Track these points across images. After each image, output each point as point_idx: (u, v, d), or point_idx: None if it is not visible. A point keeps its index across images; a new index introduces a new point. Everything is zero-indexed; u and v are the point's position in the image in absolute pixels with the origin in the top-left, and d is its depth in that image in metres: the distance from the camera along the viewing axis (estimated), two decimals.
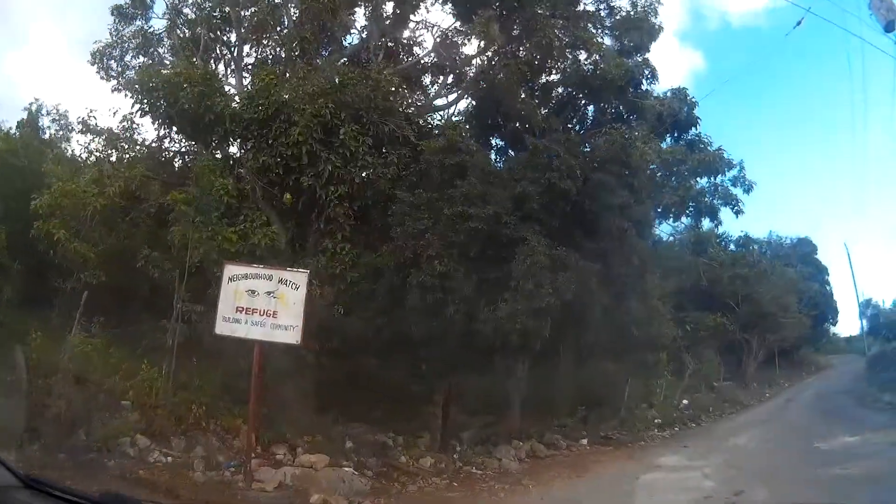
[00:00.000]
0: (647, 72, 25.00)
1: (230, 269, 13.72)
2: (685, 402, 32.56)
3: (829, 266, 61.45)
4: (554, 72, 24.48)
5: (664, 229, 29.36)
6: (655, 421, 27.72)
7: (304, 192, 17.68)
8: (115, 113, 19.50)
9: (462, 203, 17.85)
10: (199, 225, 16.63)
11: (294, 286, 13.31)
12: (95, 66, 22.11)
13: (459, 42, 23.39)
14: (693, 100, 27.51)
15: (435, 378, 19.27)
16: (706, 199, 27.56)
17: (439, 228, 17.78)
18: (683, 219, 29.47)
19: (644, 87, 24.97)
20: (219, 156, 19.57)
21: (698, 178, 27.81)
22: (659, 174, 25.50)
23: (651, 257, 22.51)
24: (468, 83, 23.23)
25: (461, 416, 21.32)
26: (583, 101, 24.93)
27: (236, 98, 19.16)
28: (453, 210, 17.83)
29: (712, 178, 28.01)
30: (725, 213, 29.26)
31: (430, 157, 18.85)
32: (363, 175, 17.71)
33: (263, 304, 13.13)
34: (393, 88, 19.16)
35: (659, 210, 24.95)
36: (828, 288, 61.32)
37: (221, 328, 13.37)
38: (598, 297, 18.58)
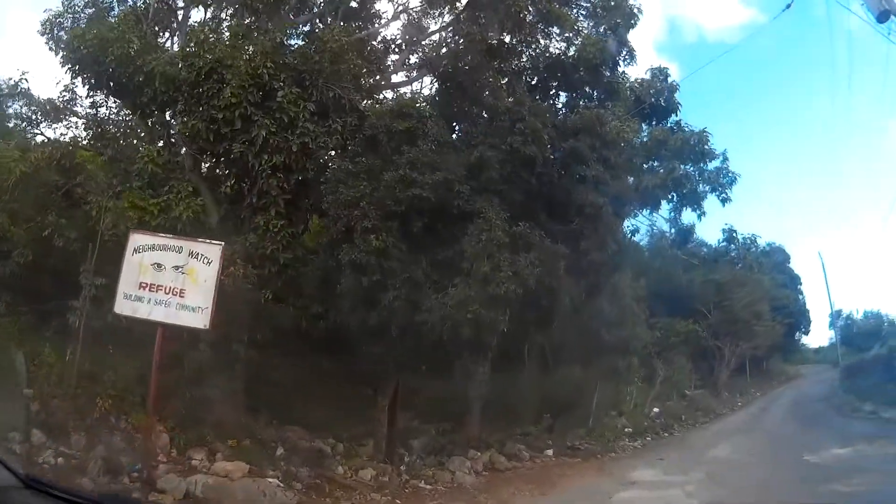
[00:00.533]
0: (624, 52, 23.05)
1: (136, 239, 12.15)
2: (656, 410, 31.45)
3: (801, 276, 60.88)
4: (524, 57, 22.39)
5: (642, 221, 26.72)
6: (626, 430, 26.49)
7: (236, 161, 16.21)
8: (58, 83, 19.08)
9: (407, 168, 15.74)
10: (115, 194, 15.58)
11: (206, 260, 11.75)
12: (45, 36, 20.24)
13: (423, 13, 21.37)
14: (674, 83, 25.44)
15: (379, 378, 17.36)
16: (690, 183, 24.97)
17: (377, 196, 15.60)
18: (664, 206, 26.97)
19: (621, 69, 23.00)
20: (152, 121, 18.40)
21: (682, 164, 25.47)
22: (638, 155, 23.20)
23: (628, 246, 20.36)
24: (431, 58, 21.22)
25: (414, 423, 20.01)
26: (555, 87, 22.82)
27: (170, 58, 17.31)
28: (395, 175, 15.66)
29: (697, 164, 25.75)
30: (710, 204, 26.98)
31: (376, 122, 16.73)
32: (301, 143, 15.90)
33: (170, 281, 11.66)
34: (341, 50, 17.08)
35: (637, 191, 22.59)
36: (801, 297, 60.33)
37: (122, 307, 11.85)
38: (567, 288, 16.50)
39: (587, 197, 17.18)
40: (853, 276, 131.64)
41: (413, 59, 22.92)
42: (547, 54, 21.60)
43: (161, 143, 17.78)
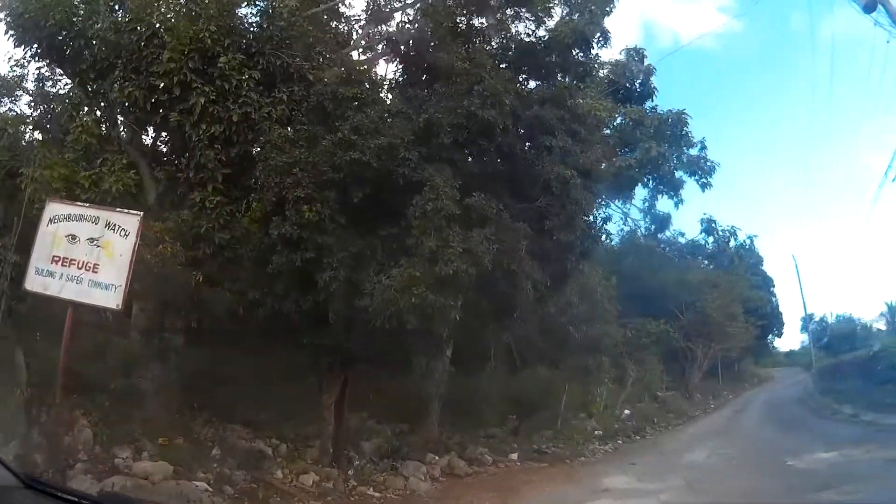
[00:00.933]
0: (597, 33, 21.54)
1: (52, 209, 11.24)
2: (627, 411, 30.53)
3: (774, 278, 61.38)
4: (494, 42, 20.93)
5: (615, 210, 24.84)
6: (596, 433, 25.47)
7: (173, 132, 15.50)
8: (9, 59, 18.33)
9: (348, 132, 14.21)
10: (48, 165, 14.54)
11: (123, 233, 10.81)
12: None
13: None
14: (650, 66, 23.80)
15: (325, 372, 15.79)
16: (667, 164, 23.04)
17: (313, 161, 14.05)
18: (639, 193, 25.08)
19: (595, 52, 21.48)
20: (91, 90, 17.12)
21: (658, 145, 23.63)
22: (611, 136, 21.49)
23: (599, 229, 18.72)
24: (394, 39, 19.76)
25: (368, 423, 18.63)
26: (525, 72, 21.28)
27: (112, 23, 16.34)
28: (333, 138, 14.14)
29: (674, 146, 24.02)
30: (688, 192, 25.20)
31: (322, 88, 15.16)
32: (243, 113, 14.72)
33: (84, 255, 10.75)
34: (293, 17, 16.06)
35: (609, 170, 20.77)
36: (774, 299, 60.62)
37: (33, 283, 10.94)
38: (530, 273, 14.64)
39: (553, 169, 15.44)
40: (824, 280, 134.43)
41: (379, 46, 21.57)
42: (519, 38, 20.07)
43: (99, 114, 16.93)
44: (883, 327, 57.66)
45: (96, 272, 10.60)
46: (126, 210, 11.55)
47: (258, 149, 15.30)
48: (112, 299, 10.59)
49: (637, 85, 23.56)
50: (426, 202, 13.44)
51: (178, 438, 13.84)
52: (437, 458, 17.50)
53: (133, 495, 10.70)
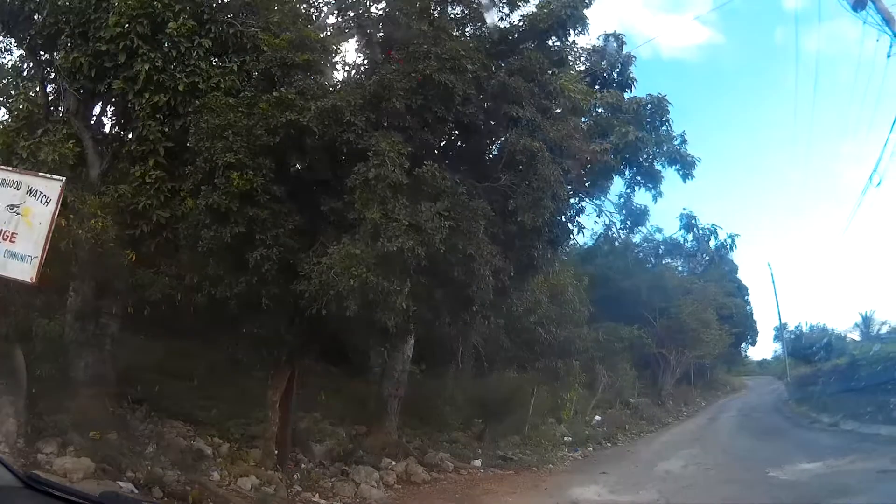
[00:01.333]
0: (577, 20, 20.35)
1: None
2: (598, 418, 30.37)
3: (748, 286, 60.91)
4: (468, 29, 19.75)
5: (589, 205, 23.27)
6: (565, 439, 24.94)
7: (117, 101, 14.80)
8: None
9: (285, 91, 12.94)
10: None
11: (44, 199, 10.15)
12: None
13: None
14: (630, 54, 22.64)
15: (270, 366, 14.54)
16: (646, 148, 21.50)
17: (247, 124, 12.72)
18: (615, 186, 23.48)
19: (572, 39, 20.26)
20: (38, 57, 16.58)
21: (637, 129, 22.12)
22: (586, 121, 20.01)
23: (569, 215, 17.09)
24: (362, 22, 18.59)
25: (321, 424, 17.76)
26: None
27: None
28: (270, 98, 12.83)
29: (655, 133, 22.59)
30: (667, 186, 23.58)
31: (272, 55, 13.74)
32: (190, 82, 13.88)
33: (2, 223, 10.13)
34: None
35: (582, 146, 19.14)
36: (748, 307, 59.88)
37: None
38: (490, 259, 13.09)
39: (519, 142, 13.78)
40: (798, 291, 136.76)
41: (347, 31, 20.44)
42: (493, 26, 18.86)
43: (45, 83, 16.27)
44: (857, 337, 57.08)
45: (14, 242, 9.95)
46: (49, 175, 10.89)
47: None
48: (27, 272, 9.87)
49: (615, 74, 22.28)
50: (368, 169, 11.98)
51: (112, 433, 12.84)
52: (393, 463, 16.50)
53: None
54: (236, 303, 12.58)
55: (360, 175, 11.97)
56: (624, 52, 22.35)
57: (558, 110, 15.51)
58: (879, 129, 40.89)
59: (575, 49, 21.20)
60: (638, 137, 19.36)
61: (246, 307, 12.69)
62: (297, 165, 12.75)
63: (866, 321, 57.01)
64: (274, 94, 12.82)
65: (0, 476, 4.02)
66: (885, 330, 53.66)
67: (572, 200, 19.91)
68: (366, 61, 17.15)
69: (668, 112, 20.96)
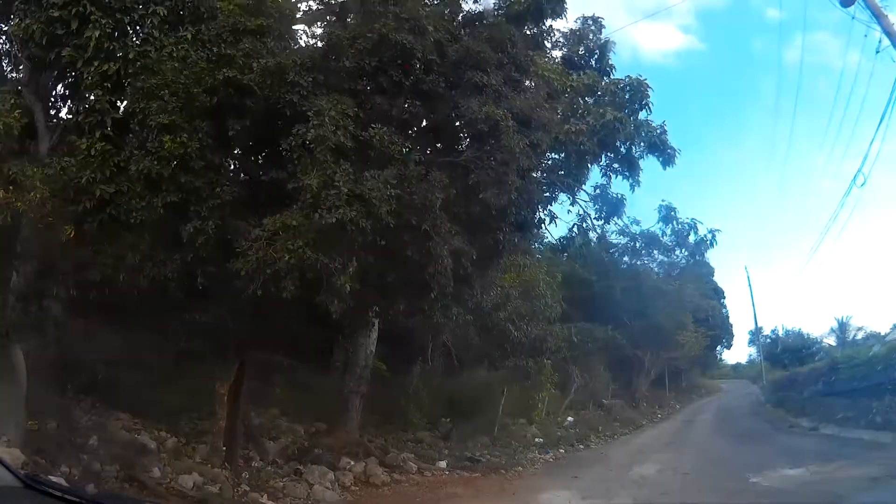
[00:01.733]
0: (553, 1, 19.42)
1: None
2: (571, 419, 29.70)
3: (724, 290, 61.29)
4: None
5: (560, 195, 22.10)
6: (536, 440, 24.10)
7: (67, 70, 13.87)
8: None
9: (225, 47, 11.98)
10: None
11: None
12: None
13: None
14: (608, 39, 21.46)
15: (219, 357, 13.65)
16: (624, 129, 20.13)
17: (182, 82, 11.60)
18: (592, 172, 22.23)
19: (548, 24, 19.31)
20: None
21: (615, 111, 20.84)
22: (560, 101, 18.82)
23: (539, 196, 15.82)
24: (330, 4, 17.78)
25: (278, 421, 17.19)
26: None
27: None
28: (209, 54, 11.81)
29: (634, 117, 21.38)
30: (647, 182, 22.26)
31: (223, 20, 12.76)
32: (141, 51, 12.91)
33: None
34: None
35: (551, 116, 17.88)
36: (724, 311, 60.19)
37: None
38: (448, 238, 11.97)
39: (481, 109, 12.43)
40: (774, 296, 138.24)
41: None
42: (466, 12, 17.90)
43: None
44: (833, 342, 58.12)
45: None
46: None
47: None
48: None
49: (593, 61, 21.21)
50: (308, 130, 10.87)
51: (52, 423, 12.15)
52: (352, 463, 15.71)
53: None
54: (176, 285, 11.50)
55: (297, 137, 10.89)
56: (603, 37, 21.26)
57: (528, 83, 14.34)
58: (856, 138, 41.59)
59: (553, 35, 20.37)
60: (616, 118, 18.11)
61: (187, 290, 11.63)
62: (237, 128, 11.54)
63: (842, 327, 57.62)
64: (214, 49, 11.80)
65: (0, 476, 4.00)
66: (861, 336, 54.24)
67: (546, 193, 19.02)
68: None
69: (648, 96, 19.79)
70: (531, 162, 12.77)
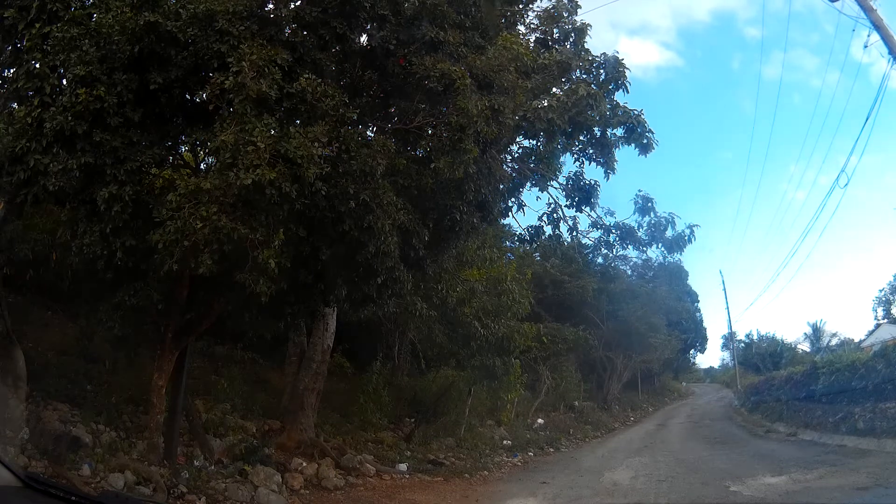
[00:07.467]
0: None
1: None
2: (540, 421, 29.10)
3: (698, 293, 62.04)
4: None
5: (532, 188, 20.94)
6: (504, 442, 23.52)
7: (10, 34, 12.27)
8: None
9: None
10: None
11: None
12: None
13: None
14: (585, 23, 19.70)
15: (157, 345, 12.24)
16: (599, 105, 18.56)
17: (105, 32, 10.06)
18: (565, 161, 20.84)
19: (521, 5, 18.26)
20: None
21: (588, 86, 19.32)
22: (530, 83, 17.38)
23: (501, 170, 14.21)
24: None
25: (228, 417, 16.16)
26: None
27: None
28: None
29: (608, 95, 19.95)
30: (622, 165, 20.92)
31: None
32: (85, 14, 11.26)
33: None
34: None
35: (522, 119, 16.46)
36: (698, 314, 60.97)
37: None
38: (393, 213, 10.61)
39: (436, 66, 10.91)
40: (748, 301, 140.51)
41: None
42: None
43: None
44: (807, 348, 58.59)
45: None
46: None
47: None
48: None
49: (568, 45, 19.95)
50: (226, 78, 9.50)
51: None
52: (304, 464, 14.69)
53: None
54: (104, 263, 10.09)
55: (215, 86, 9.55)
56: (578, 20, 19.92)
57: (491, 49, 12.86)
58: (833, 152, 42.09)
59: (527, 16, 19.33)
60: (589, 94, 16.70)
61: (115, 268, 10.23)
62: (160, 81, 10.19)
63: (816, 332, 57.72)
64: None
65: (0, 476, 4.00)
66: (835, 342, 54.40)
67: (514, 180, 17.99)
68: None
69: (624, 76, 18.48)
70: (491, 129, 11.16)
